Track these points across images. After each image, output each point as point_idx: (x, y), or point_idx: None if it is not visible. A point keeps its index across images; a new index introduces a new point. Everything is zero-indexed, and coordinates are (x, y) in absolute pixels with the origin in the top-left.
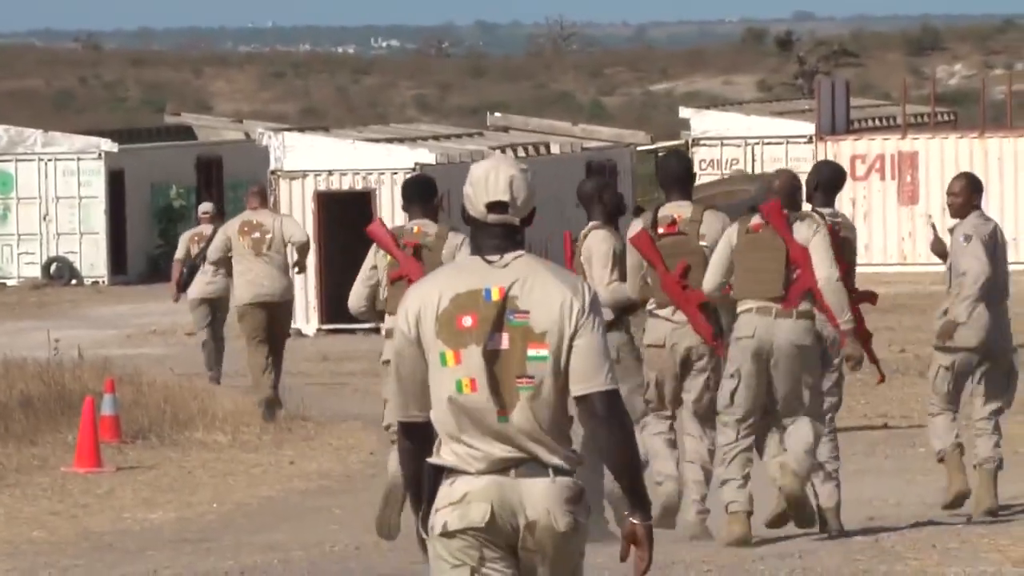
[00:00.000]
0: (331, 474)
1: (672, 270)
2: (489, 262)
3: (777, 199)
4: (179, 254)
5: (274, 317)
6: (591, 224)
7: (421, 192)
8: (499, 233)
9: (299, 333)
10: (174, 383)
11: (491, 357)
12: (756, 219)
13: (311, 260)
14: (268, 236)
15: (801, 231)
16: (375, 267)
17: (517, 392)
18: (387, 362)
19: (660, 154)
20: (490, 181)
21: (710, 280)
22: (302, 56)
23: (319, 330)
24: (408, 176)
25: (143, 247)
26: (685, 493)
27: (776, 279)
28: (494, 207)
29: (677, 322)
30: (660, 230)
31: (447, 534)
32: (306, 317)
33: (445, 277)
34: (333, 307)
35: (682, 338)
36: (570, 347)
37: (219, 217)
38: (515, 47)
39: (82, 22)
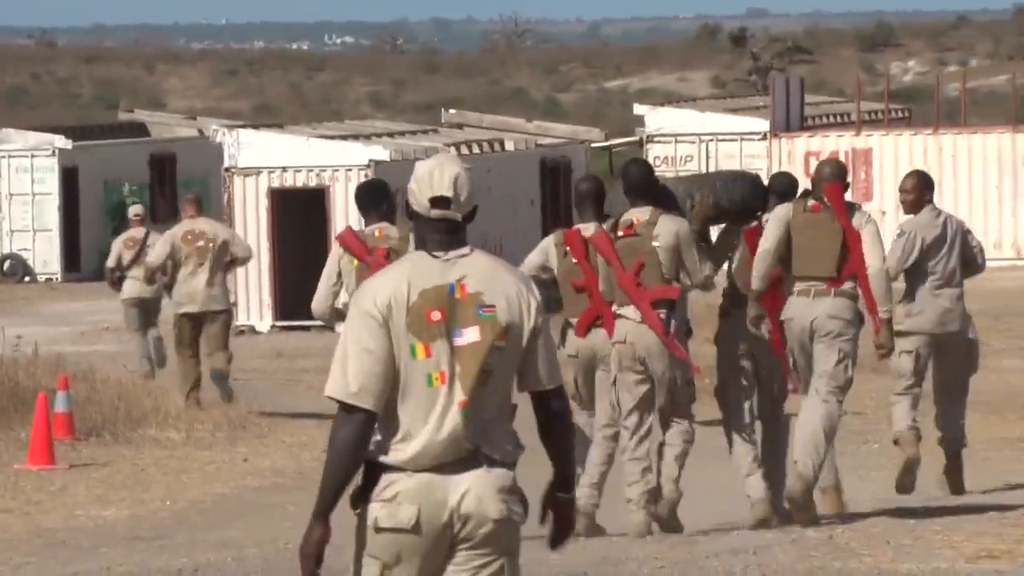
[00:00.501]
0: (285, 471)
1: (628, 269)
2: (437, 257)
3: (838, 183)
4: (111, 262)
5: (212, 323)
6: (593, 224)
7: (375, 197)
8: (442, 228)
9: (253, 330)
10: (128, 380)
11: (460, 351)
12: (814, 201)
13: (265, 258)
14: (211, 245)
15: (855, 219)
16: (340, 273)
17: (480, 383)
18: None
19: (620, 158)
20: (434, 178)
21: (760, 268)
22: (256, 53)
23: (273, 327)
24: (360, 183)
25: (97, 244)
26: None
27: (831, 259)
28: (437, 202)
29: (636, 320)
30: (619, 233)
31: (377, 529)
32: (260, 314)
33: (407, 271)
34: (287, 304)
35: (641, 337)
36: (531, 343)
37: (148, 219)
38: (470, 43)
39: (35, 19)
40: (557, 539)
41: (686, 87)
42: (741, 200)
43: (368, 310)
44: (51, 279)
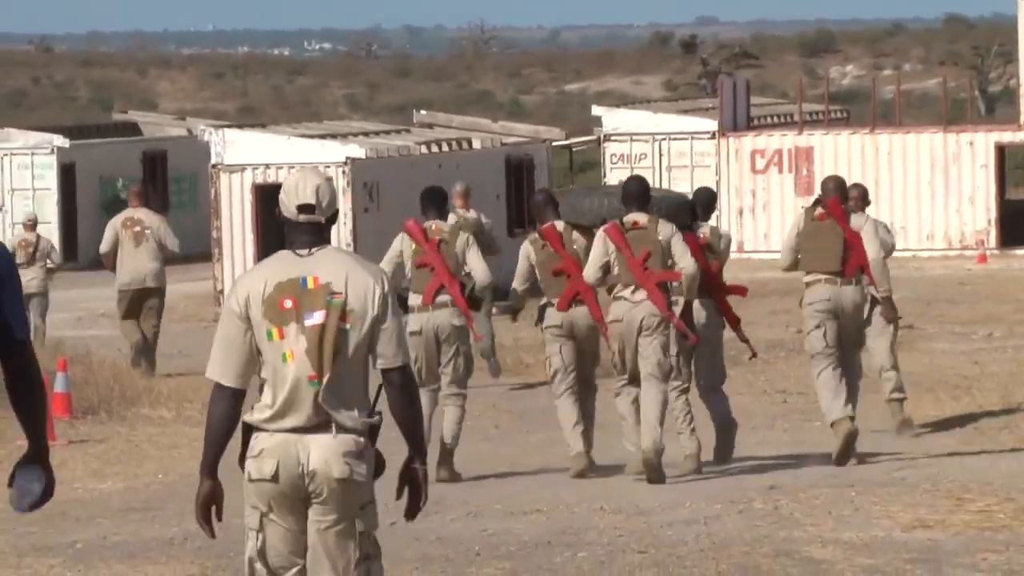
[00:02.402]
0: None
1: (637, 256)
2: (299, 255)
3: (835, 196)
4: (19, 259)
5: (149, 298)
6: (561, 223)
7: (436, 200)
8: (308, 230)
9: None
10: (122, 363)
11: (309, 330)
12: (820, 211)
13: (249, 249)
14: (147, 231)
15: (855, 221)
16: (401, 253)
17: (329, 360)
18: (413, 333)
19: (579, 156)
20: (299, 188)
21: (786, 258)
22: (240, 58)
23: None
24: (426, 188)
25: (93, 236)
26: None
27: (836, 257)
28: (303, 209)
29: (634, 301)
30: (628, 227)
31: (250, 480)
32: None
33: (268, 268)
34: None
35: (635, 314)
36: (375, 327)
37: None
38: (439, 49)
39: (35, 26)
40: (410, 509)
41: (640, 90)
42: (670, 217)
43: (231, 306)
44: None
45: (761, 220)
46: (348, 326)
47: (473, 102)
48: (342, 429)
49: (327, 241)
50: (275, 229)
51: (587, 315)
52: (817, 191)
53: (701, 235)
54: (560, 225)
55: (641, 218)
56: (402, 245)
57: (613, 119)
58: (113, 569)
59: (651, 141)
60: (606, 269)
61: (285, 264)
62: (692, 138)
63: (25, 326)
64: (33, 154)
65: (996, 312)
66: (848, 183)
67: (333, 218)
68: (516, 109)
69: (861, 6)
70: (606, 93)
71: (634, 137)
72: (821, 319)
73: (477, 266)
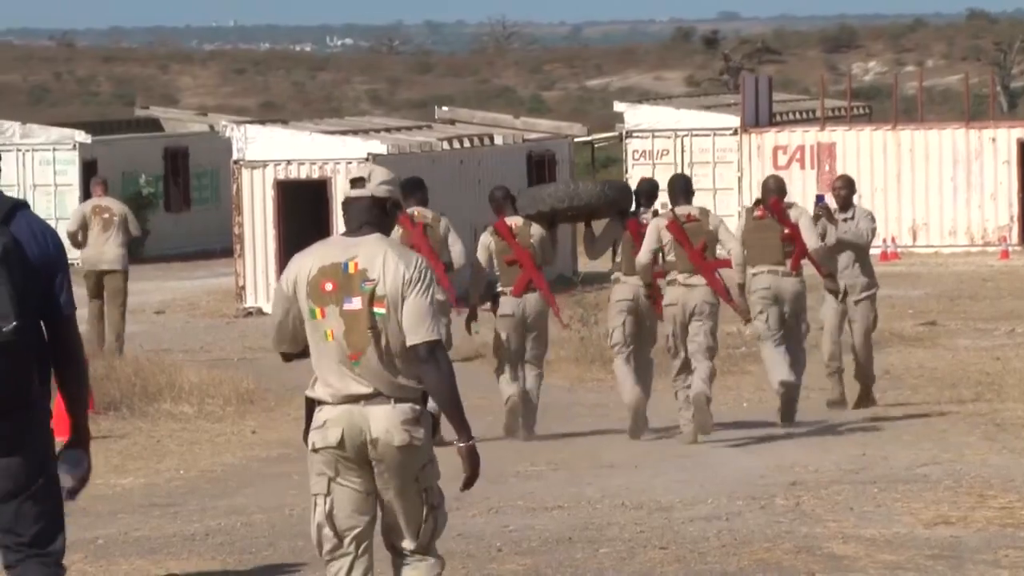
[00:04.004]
0: (290, 443)
1: (696, 246)
2: (347, 238)
3: (775, 196)
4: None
5: (114, 280)
6: (519, 217)
7: (416, 187)
8: (357, 208)
9: (260, 311)
10: (143, 358)
11: (346, 314)
12: (759, 210)
13: (271, 244)
14: (114, 218)
15: (792, 214)
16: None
17: (366, 341)
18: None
19: (601, 152)
20: (356, 168)
21: (644, 256)
22: (262, 54)
23: None
24: (405, 178)
25: None
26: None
27: (777, 250)
28: (354, 182)
29: (689, 286)
30: (684, 220)
31: (314, 450)
32: (267, 297)
33: (317, 251)
34: None
35: (689, 298)
36: (401, 307)
37: None
38: (460, 45)
39: (57, 21)
40: (464, 483)
41: (662, 86)
42: (615, 201)
43: (280, 286)
44: (72, 264)
45: None
46: (383, 311)
47: (494, 98)
48: (399, 400)
49: (377, 227)
50: (296, 224)
51: (538, 300)
52: None
53: (644, 220)
54: (519, 220)
55: (693, 210)
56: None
57: (635, 115)
58: (134, 565)
59: (673, 137)
60: (656, 255)
61: (333, 248)
62: (714, 134)
63: (71, 304)
64: (55, 150)
65: (1018, 308)
66: (871, 179)
67: (385, 203)
68: (538, 105)
69: (883, 2)
70: (628, 89)
71: (656, 133)
72: (764, 305)
73: (455, 248)
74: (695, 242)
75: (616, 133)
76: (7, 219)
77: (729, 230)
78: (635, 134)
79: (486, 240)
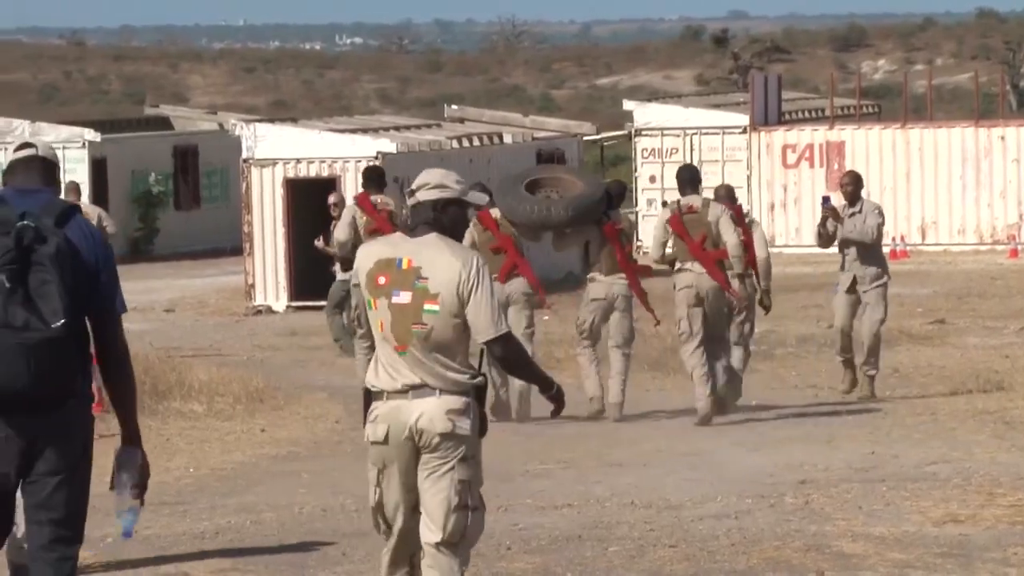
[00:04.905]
0: (300, 441)
1: (695, 239)
2: (408, 238)
3: (728, 202)
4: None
5: None
6: (496, 210)
7: (378, 178)
8: (419, 209)
9: (269, 310)
10: (153, 356)
11: (394, 307)
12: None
13: (280, 243)
14: (89, 220)
15: (711, 213)
16: (354, 220)
17: (412, 335)
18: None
19: (610, 151)
20: (427, 174)
21: (656, 251)
22: (271, 52)
23: (288, 307)
24: (367, 166)
25: (124, 230)
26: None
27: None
28: (419, 187)
29: (698, 272)
30: (684, 212)
31: (369, 442)
32: (276, 295)
33: (379, 246)
34: (301, 285)
35: (702, 281)
36: (463, 306)
37: None
38: (470, 44)
39: (67, 20)
40: (554, 411)
41: (671, 84)
42: (582, 220)
43: (355, 276)
44: None
45: (792, 215)
46: (436, 307)
47: (504, 96)
48: (444, 392)
49: (437, 227)
50: (306, 223)
51: (524, 284)
52: None
53: (615, 222)
54: (497, 212)
55: (696, 201)
56: (354, 216)
57: (644, 113)
58: (144, 563)
59: (682, 135)
60: (665, 247)
61: (392, 245)
62: (723, 133)
63: (121, 303)
64: (65, 148)
65: None
66: (880, 178)
67: (444, 203)
68: (547, 104)
69: (892, 0)
70: (637, 87)
71: (665, 132)
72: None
73: None
74: (695, 235)
75: (625, 132)
76: (61, 221)
77: (729, 222)
78: (644, 132)
79: (469, 231)
